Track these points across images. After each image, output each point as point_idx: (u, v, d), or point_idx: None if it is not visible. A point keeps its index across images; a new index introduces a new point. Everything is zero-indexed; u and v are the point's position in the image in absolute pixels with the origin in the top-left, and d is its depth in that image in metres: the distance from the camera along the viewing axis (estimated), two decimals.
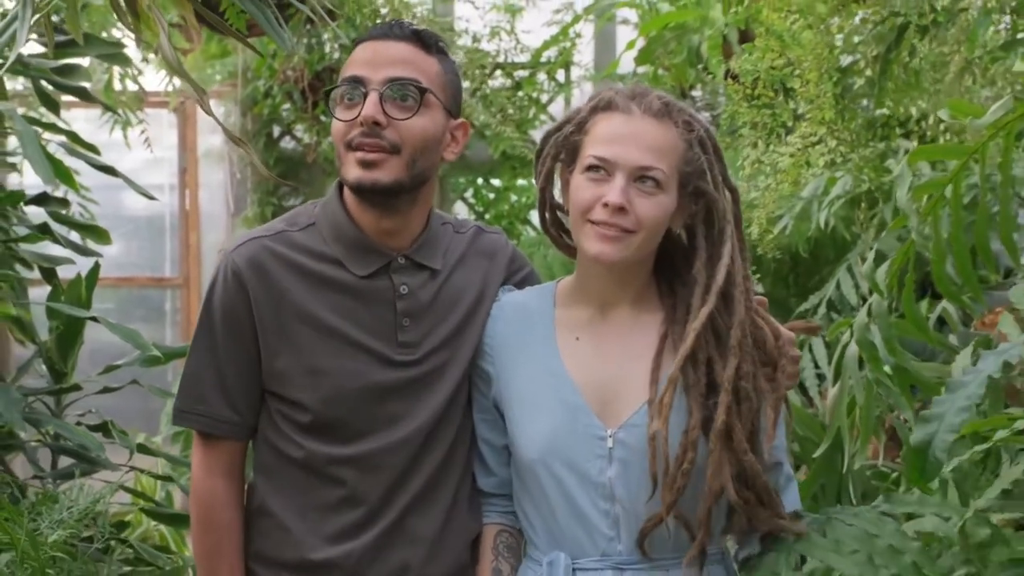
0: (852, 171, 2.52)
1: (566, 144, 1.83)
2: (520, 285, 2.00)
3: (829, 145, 2.56)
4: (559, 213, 1.92)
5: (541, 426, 1.80)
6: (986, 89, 2.62)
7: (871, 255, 2.06)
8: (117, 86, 4.30)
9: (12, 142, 3.00)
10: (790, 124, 2.68)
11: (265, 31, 1.81)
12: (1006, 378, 1.98)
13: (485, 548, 1.93)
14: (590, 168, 1.76)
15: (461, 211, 5.49)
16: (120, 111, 4.37)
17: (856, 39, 2.44)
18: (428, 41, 1.89)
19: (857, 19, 2.60)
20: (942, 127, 2.73)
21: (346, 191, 1.92)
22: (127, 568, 2.49)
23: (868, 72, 2.43)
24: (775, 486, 1.79)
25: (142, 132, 3.87)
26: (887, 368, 2.16)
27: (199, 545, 1.94)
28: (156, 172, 5.87)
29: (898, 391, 2.10)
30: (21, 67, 2.62)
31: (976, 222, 2.11)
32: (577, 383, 1.81)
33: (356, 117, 1.82)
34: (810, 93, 2.44)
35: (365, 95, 1.82)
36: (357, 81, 1.84)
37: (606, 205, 1.73)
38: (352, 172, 1.84)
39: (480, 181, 5.47)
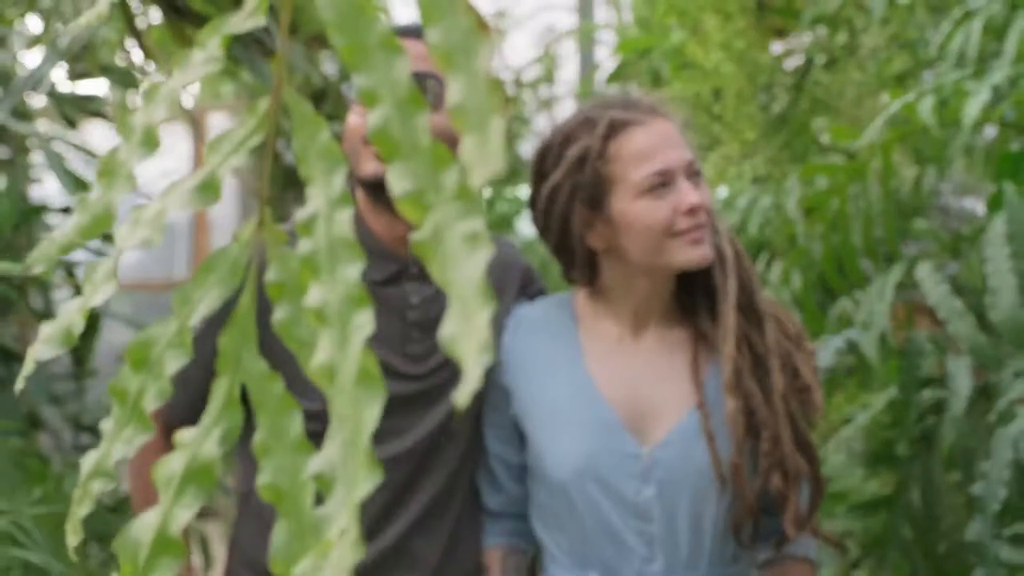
0: (771, 186, 2.86)
1: (590, 182, 1.68)
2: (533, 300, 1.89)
3: (754, 162, 2.90)
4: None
5: (572, 445, 1.71)
6: None
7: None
8: (131, 104, 4.67)
9: (35, 158, 3.36)
10: (721, 143, 3.03)
11: (249, 69, 2.15)
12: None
13: (493, 572, 1.84)
14: (653, 188, 1.65)
15: None
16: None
17: (771, 70, 2.78)
18: None
19: (776, 49, 2.96)
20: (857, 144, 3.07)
21: (359, 196, 1.83)
22: None
23: (781, 101, 2.77)
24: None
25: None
26: None
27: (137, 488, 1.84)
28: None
29: None
30: (49, 95, 2.98)
31: (864, 230, 2.46)
32: (609, 400, 1.71)
33: None
34: (728, 117, 2.79)
35: None
36: None
37: (690, 211, 1.64)
38: (369, 166, 1.73)
39: None
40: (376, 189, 1.75)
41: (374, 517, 1.76)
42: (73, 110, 3.16)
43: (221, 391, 0.55)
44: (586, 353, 1.76)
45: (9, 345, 2.82)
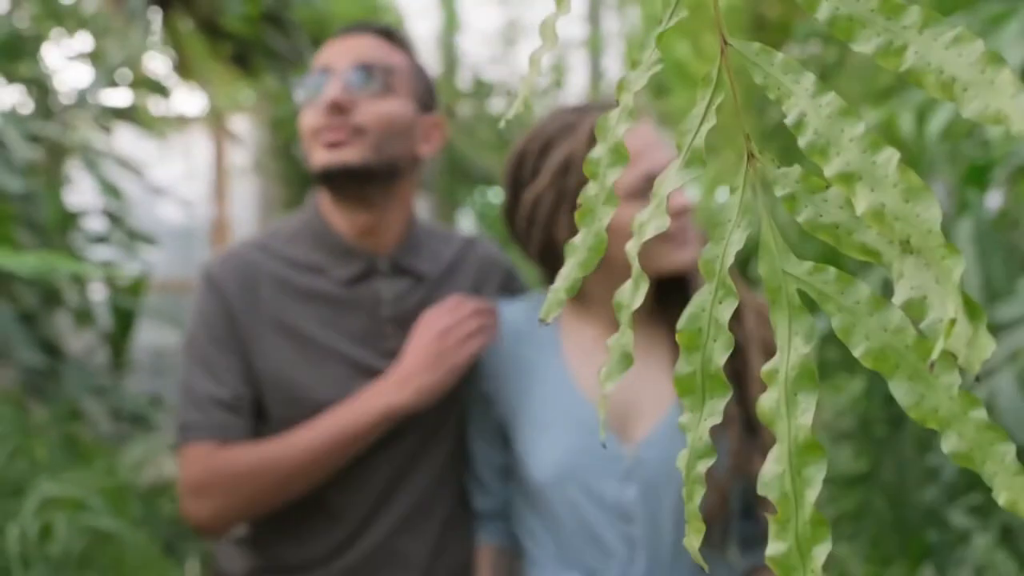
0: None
1: (577, 188, 1.57)
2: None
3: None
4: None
5: (555, 447, 1.66)
6: None
7: None
8: (157, 111, 4.88)
9: (68, 166, 3.55)
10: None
11: (272, 76, 2.33)
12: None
13: (483, 573, 1.80)
14: (641, 190, 1.58)
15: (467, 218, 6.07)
16: (159, 132, 4.94)
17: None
18: (394, 36, 1.83)
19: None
20: None
21: (321, 196, 1.82)
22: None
23: (776, 112, 2.95)
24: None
25: (177, 151, 4.42)
26: None
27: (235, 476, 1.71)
28: (193, 184, 6.13)
29: None
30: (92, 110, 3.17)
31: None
32: (590, 401, 1.67)
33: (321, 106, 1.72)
34: (725, 126, 2.96)
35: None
36: (322, 73, 1.75)
37: (677, 213, 1.60)
38: (319, 158, 1.72)
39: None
40: (331, 181, 1.74)
41: (360, 516, 1.75)
42: (108, 117, 3.35)
43: (781, 306, 0.52)
44: (566, 354, 1.72)
45: (53, 340, 2.99)
